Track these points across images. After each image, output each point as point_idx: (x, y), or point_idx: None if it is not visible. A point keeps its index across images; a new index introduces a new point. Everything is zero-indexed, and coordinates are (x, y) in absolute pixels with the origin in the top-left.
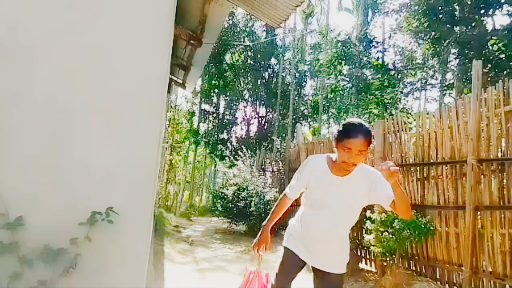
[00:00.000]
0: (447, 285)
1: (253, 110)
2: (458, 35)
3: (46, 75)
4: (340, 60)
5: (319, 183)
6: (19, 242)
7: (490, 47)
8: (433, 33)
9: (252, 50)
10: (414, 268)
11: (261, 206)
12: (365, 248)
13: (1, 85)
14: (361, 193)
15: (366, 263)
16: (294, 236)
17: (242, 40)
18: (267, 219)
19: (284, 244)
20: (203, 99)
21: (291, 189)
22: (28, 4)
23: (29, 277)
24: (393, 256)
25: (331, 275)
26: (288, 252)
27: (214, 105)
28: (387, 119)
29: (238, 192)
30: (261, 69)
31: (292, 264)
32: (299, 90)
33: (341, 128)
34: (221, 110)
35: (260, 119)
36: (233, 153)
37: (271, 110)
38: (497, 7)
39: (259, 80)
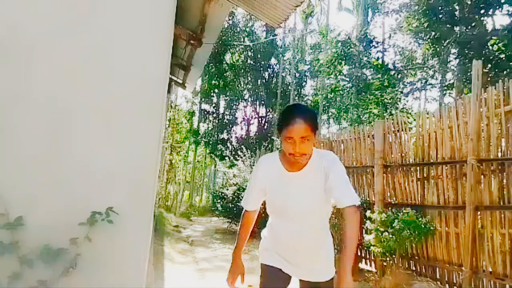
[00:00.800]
0: (447, 285)
1: (253, 110)
2: (458, 35)
3: (46, 75)
4: (340, 60)
5: (275, 185)
6: (19, 242)
7: (490, 47)
8: (433, 33)
9: (252, 50)
10: (414, 268)
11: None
12: (365, 248)
13: (1, 85)
14: (320, 184)
15: (366, 263)
16: (269, 249)
17: (242, 40)
18: (234, 245)
19: (261, 261)
20: (203, 99)
21: (247, 200)
22: (28, 4)
23: (29, 277)
24: (393, 256)
25: (320, 284)
26: (267, 270)
27: (214, 105)
28: (387, 119)
29: (238, 192)
30: (261, 69)
31: (276, 279)
32: (299, 90)
33: (280, 116)
34: (221, 110)
35: (260, 119)
36: (233, 153)
37: (271, 110)
38: (497, 7)
39: (259, 80)
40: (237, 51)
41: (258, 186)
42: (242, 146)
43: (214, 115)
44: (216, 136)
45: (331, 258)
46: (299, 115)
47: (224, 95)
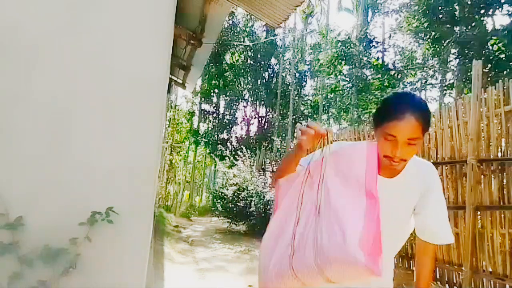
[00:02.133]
0: (447, 285)
1: (253, 110)
2: (458, 35)
3: (46, 75)
4: (340, 60)
5: None
6: (19, 242)
7: (490, 47)
8: (433, 33)
9: (252, 50)
10: (414, 268)
11: (261, 206)
12: None
13: (1, 85)
14: (414, 200)
15: None
16: None
17: (242, 40)
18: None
19: None
20: (203, 99)
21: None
22: (28, 4)
23: (29, 277)
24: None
25: None
26: None
27: (214, 105)
28: None
29: (238, 192)
30: (261, 69)
31: None
32: (299, 90)
33: (379, 105)
34: (221, 110)
35: (260, 119)
36: (233, 153)
37: (271, 110)
38: (497, 7)
39: (259, 80)
40: (237, 51)
41: None
42: (242, 146)
43: (214, 115)
44: (216, 136)
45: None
46: (412, 109)
47: (224, 95)
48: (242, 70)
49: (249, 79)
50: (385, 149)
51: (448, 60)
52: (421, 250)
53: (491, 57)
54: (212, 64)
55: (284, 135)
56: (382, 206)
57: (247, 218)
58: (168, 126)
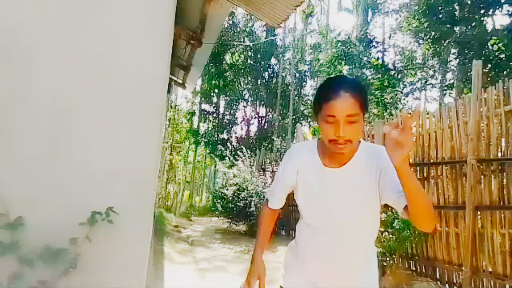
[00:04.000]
0: (447, 285)
1: (253, 110)
2: (458, 35)
3: (46, 75)
4: (340, 60)
5: (310, 184)
6: (19, 242)
7: (490, 47)
8: (433, 33)
9: (252, 50)
10: (414, 268)
11: (261, 206)
12: None
13: (1, 85)
14: (371, 187)
15: None
16: (294, 270)
17: (242, 40)
18: (255, 245)
19: (283, 285)
20: (203, 99)
21: (272, 195)
22: (28, 4)
23: (29, 277)
24: (393, 256)
25: None
26: None
27: (214, 105)
28: (387, 119)
29: (238, 192)
30: (261, 69)
31: None
32: (299, 90)
33: (317, 91)
34: (221, 110)
35: (260, 119)
36: (233, 153)
37: (271, 110)
38: (497, 7)
39: (259, 80)
40: (237, 51)
41: (286, 182)
42: (242, 146)
43: (214, 115)
44: (216, 136)
45: (375, 285)
46: (345, 87)
47: (224, 95)
48: (242, 70)
49: (249, 79)
50: (328, 133)
51: (448, 60)
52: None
53: (491, 57)
54: (212, 64)
55: (284, 135)
56: (335, 197)
57: (247, 218)
58: (168, 126)
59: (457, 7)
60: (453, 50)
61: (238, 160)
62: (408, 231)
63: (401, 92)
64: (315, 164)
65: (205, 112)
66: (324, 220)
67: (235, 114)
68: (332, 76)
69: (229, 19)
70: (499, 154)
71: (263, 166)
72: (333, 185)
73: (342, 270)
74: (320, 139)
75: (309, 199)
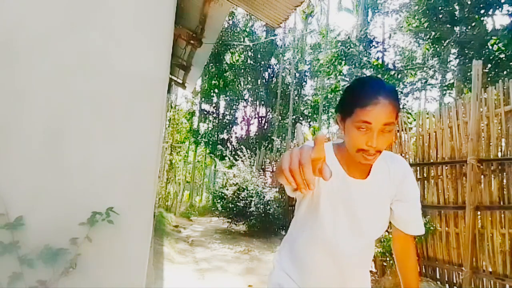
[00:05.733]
0: (447, 285)
1: (253, 110)
2: (458, 35)
3: (46, 75)
4: (340, 60)
5: (330, 196)
6: (19, 242)
7: (490, 47)
8: (433, 33)
9: (252, 50)
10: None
11: (261, 206)
12: None
13: (1, 84)
14: (388, 199)
15: None
16: (288, 275)
17: (242, 40)
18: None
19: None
20: (203, 99)
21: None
22: (28, 4)
23: (29, 277)
24: (393, 256)
25: None
26: None
27: (214, 105)
28: None
29: (238, 192)
30: (261, 69)
31: None
32: (299, 90)
33: (347, 93)
34: (221, 110)
35: (260, 119)
36: (233, 153)
37: (271, 110)
38: (497, 7)
39: (259, 80)
40: (237, 51)
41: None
42: (242, 146)
43: (214, 115)
44: (216, 136)
45: (368, 284)
46: (385, 92)
47: (224, 95)
48: (242, 70)
49: (249, 79)
50: (359, 141)
51: (448, 60)
52: (400, 247)
53: (491, 57)
54: (212, 64)
55: (284, 135)
56: (356, 209)
57: (247, 218)
58: (168, 126)
59: (457, 7)
60: (453, 50)
61: (238, 160)
62: None
63: (401, 92)
64: (337, 174)
65: (205, 112)
66: (339, 230)
67: (235, 114)
68: (364, 77)
69: (229, 19)
70: (499, 154)
71: (263, 166)
72: (358, 197)
73: (343, 273)
74: (338, 145)
75: (327, 210)
